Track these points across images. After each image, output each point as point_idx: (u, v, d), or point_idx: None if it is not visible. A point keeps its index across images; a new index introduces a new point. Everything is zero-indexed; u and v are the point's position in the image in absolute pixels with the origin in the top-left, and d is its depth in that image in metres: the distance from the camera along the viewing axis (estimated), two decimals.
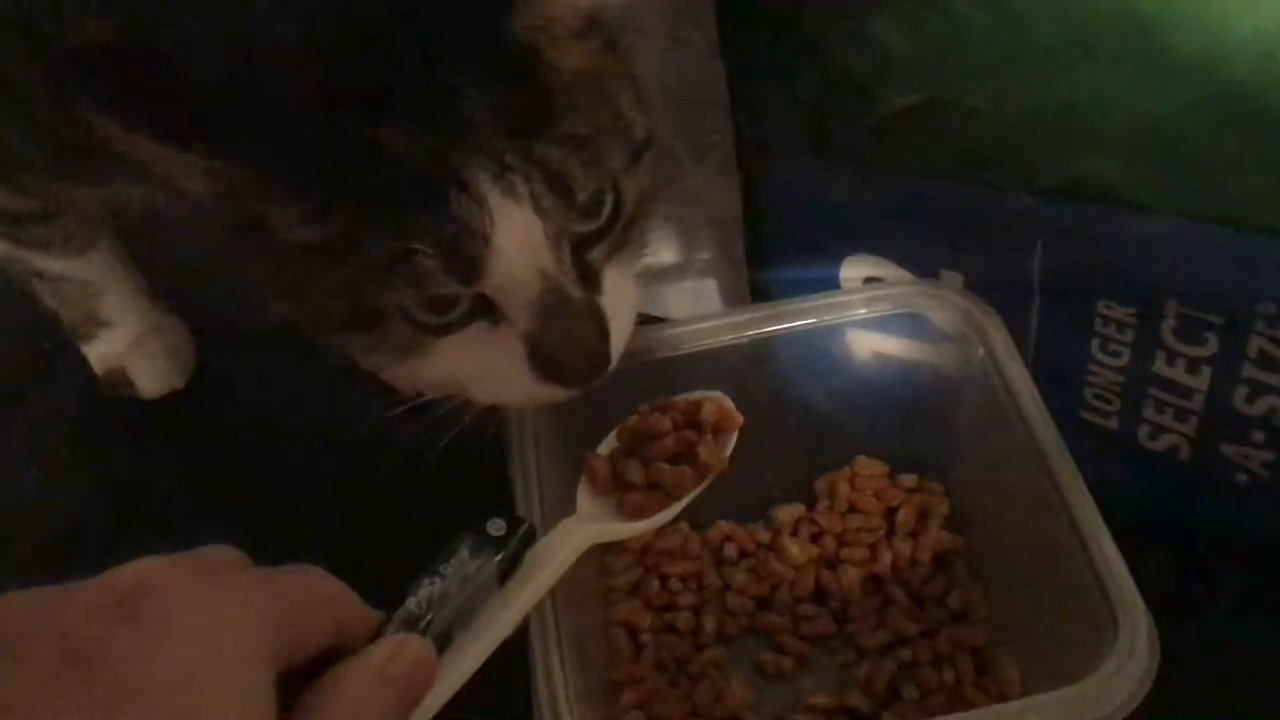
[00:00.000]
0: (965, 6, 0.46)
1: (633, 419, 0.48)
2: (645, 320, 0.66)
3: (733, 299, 0.63)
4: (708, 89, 0.56)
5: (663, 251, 0.66)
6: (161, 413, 0.71)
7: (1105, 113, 0.46)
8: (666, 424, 0.47)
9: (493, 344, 0.43)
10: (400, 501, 0.60)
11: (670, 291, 0.67)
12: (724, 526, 0.58)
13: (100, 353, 0.71)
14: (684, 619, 0.55)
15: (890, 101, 0.50)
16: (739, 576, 0.56)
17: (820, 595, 0.55)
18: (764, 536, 0.57)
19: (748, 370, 0.54)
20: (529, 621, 0.45)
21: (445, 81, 0.40)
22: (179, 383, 0.71)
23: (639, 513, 0.45)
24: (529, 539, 0.39)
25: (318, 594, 0.33)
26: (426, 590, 0.35)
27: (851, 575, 0.55)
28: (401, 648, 0.34)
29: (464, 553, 0.37)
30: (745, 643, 0.55)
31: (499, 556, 0.37)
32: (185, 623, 0.29)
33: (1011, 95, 0.47)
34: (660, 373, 0.53)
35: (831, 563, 0.56)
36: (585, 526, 0.43)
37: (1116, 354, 0.51)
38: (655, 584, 0.56)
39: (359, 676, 0.32)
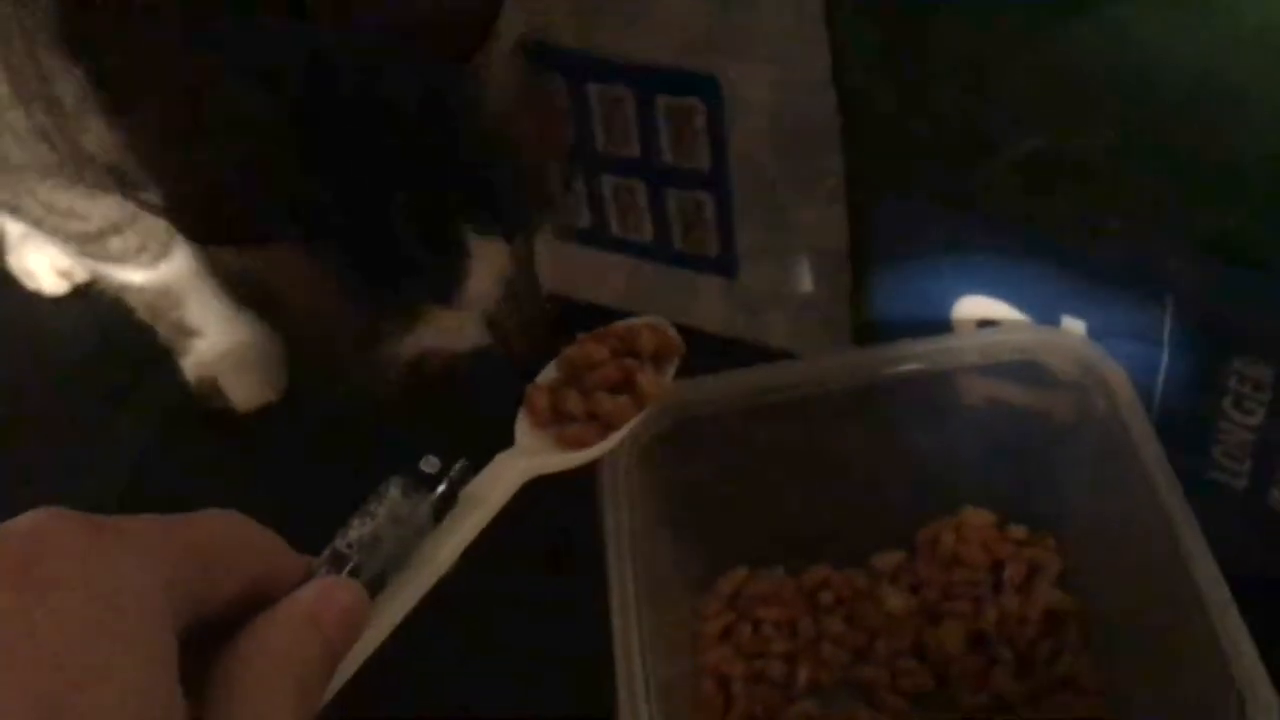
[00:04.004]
0: (1090, 51, 0.44)
1: (571, 348, 0.45)
2: (743, 350, 0.65)
3: (836, 334, 0.61)
4: (818, 119, 0.54)
5: (762, 280, 0.64)
6: (253, 425, 0.71)
7: (1245, 167, 0.43)
8: (604, 353, 0.45)
9: None
10: None
11: (770, 321, 0.65)
12: (820, 571, 0.56)
13: (192, 363, 0.71)
14: (776, 668, 0.53)
15: (1009, 147, 0.47)
16: (835, 625, 0.54)
17: (920, 649, 0.53)
18: (862, 583, 0.55)
19: (853, 413, 0.52)
20: (612, 668, 0.44)
21: None
22: (271, 395, 0.71)
23: (578, 444, 0.43)
24: (465, 476, 0.36)
25: (229, 538, 0.31)
26: (356, 531, 0.33)
27: (954, 630, 0.53)
28: (331, 591, 0.31)
29: (395, 492, 0.34)
30: (839, 696, 0.53)
31: (434, 495, 0.35)
32: (73, 577, 0.27)
33: (1140, 145, 0.45)
34: (765, 416, 0.51)
35: (933, 615, 0.54)
36: (523, 459, 0.41)
37: (1251, 412, 0.48)
38: (748, 630, 0.54)
39: (286, 623, 0.30)
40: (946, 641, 0.52)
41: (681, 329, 0.67)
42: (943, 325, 0.54)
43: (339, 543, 0.33)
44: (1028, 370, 0.51)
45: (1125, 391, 0.48)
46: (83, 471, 0.69)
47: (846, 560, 0.56)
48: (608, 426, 0.43)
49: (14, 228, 0.78)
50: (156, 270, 0.67)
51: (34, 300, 0.78)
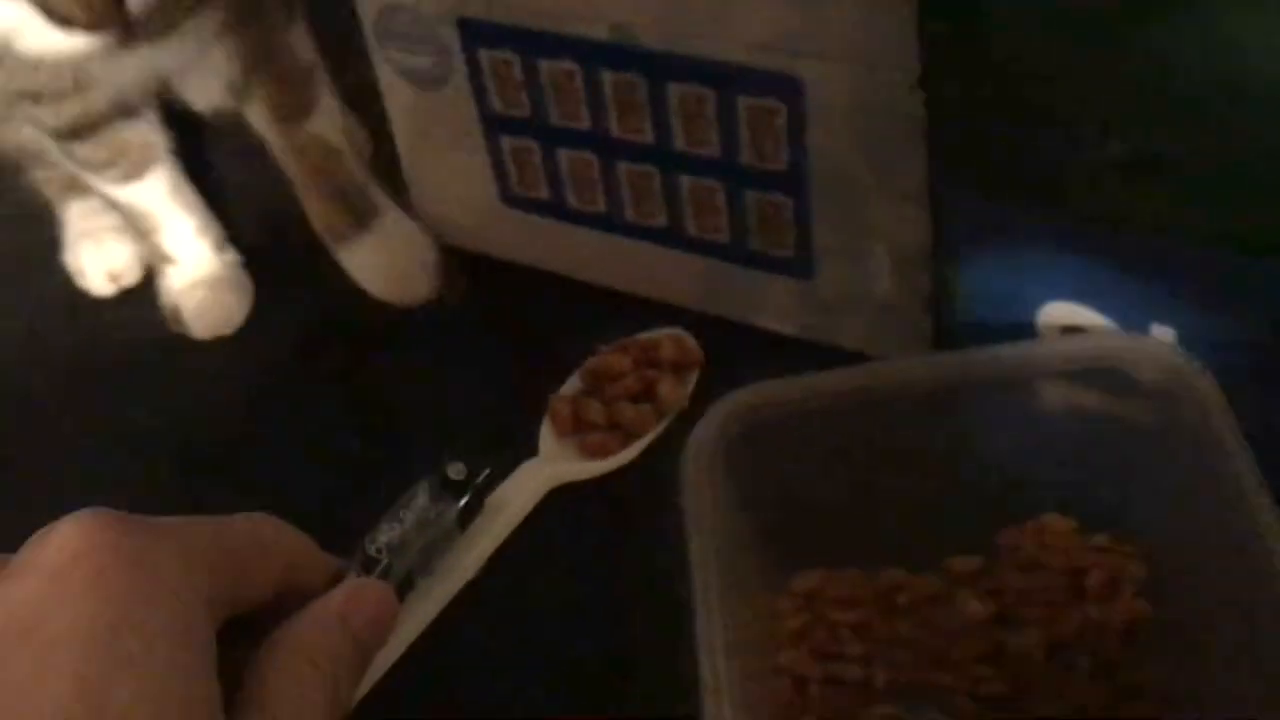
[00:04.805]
0: (1182, 50, 0.43)
1: (593, 359, 0.47)
2: (817, 353, 0.65)
3: (913, 338, 0.61)
4: (903, 119, 0.54)
5: (839, 283, 0.64)
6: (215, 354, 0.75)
7: None
8: (626, 363, 0.46)
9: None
10: None
11: (845, 324, 0.65)
12: (896, 575, 0.55)
13: (164, 287, 0.76)
14: (852, 670, 0.53)
15: (1100, 149, 0.47)
16: (910, 629, 0.54)
17: (997, 655, 0.53)
18: (939, 588, 0.55)
19: (933, 417, 0.52)
20: (695, 668, 0.44)
21: None
22: (226, 329, 0.75)
23: (601, 452, 0.44)
24: (491, 483, 0.38)
25: (263, 539, 0.33)
26: (386, 535, 0.35)
27: (1032, 637, 0.52)
28: (361, 592, 0.33)
29: (423, 498, 0.36)
30: (914, 700, 0.53)
31: (460, 501, 0.36)
32: (115, 575, 0.29)
33: (1235, 147, 0.44)
34: (843, 418, 0.51)
35: (1011, 622, 0.53)
36: (547, 467, 0.42)
37: None
38: (823, 632, 0.54)
39: (317, 623, 0.32)
40: (1024, 648, 0.52)
41: (755, 330, 0.68)
42: (1026, 331, 0.54)
43: (368, 546, 0.34)
44: (1113, 377, 0.50)
45: (1216, 401, 0.48)
46: (109, 482, 0.69)
47: (923, 564, 0.55)
48: (629, 435, 0.44)
49: (74, 225, 0.80)
50: (127, 188, 0.71)
51: (81, 299, 0.80)
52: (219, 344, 0.75)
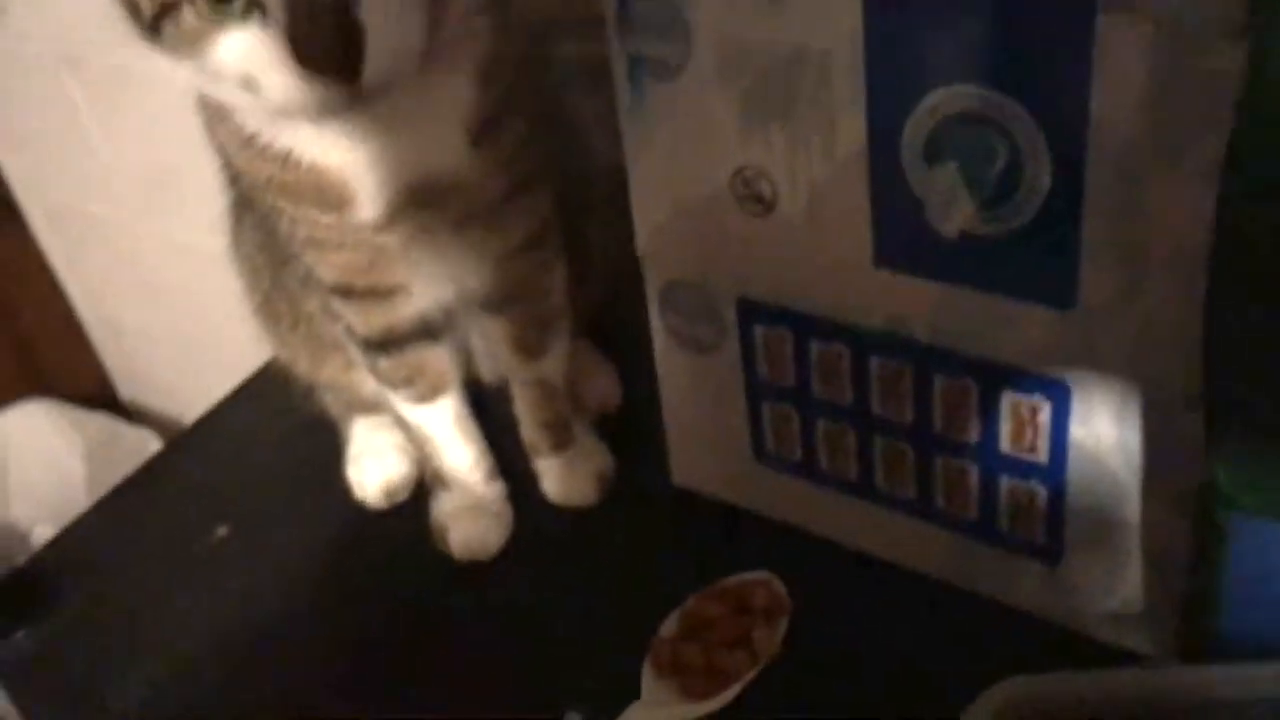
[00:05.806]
0: None
1: (689, 604, 0.50)
2: (1060, 637, 0.66)
3: (1163, 637, 0.62)
4: (1175, 428, 0.57)
5: (1088, 575, 0.66)
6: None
7: None
8: (721, 609, 0.50)
9: (264, 38, 0.53)
10: None
11: (1091, 614, 0.66)
12: None
13: (435, 507, 0.82)
14: None
15: None
16: None
17: None
18: None
19: None
20: None
21: None
22: (484, 556, 0.79)
23: (701, 695, 0.47)
24: None
25: None
26: None
27: None
28: None
29: None
30: None
31: None
32: None
33: None
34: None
35: None
36: (651, 713, 0.46)
37: None
38: None
39: None
40: None
41: (1000, 606, 0.70)
42: None
43: None
44: None
45: None
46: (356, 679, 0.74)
47: None
48: (726, 680, 0.47)
49: (357, 441, 0.88)
50: (418, 409, 0.79)
51: (357, 510, 0.87)
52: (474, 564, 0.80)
